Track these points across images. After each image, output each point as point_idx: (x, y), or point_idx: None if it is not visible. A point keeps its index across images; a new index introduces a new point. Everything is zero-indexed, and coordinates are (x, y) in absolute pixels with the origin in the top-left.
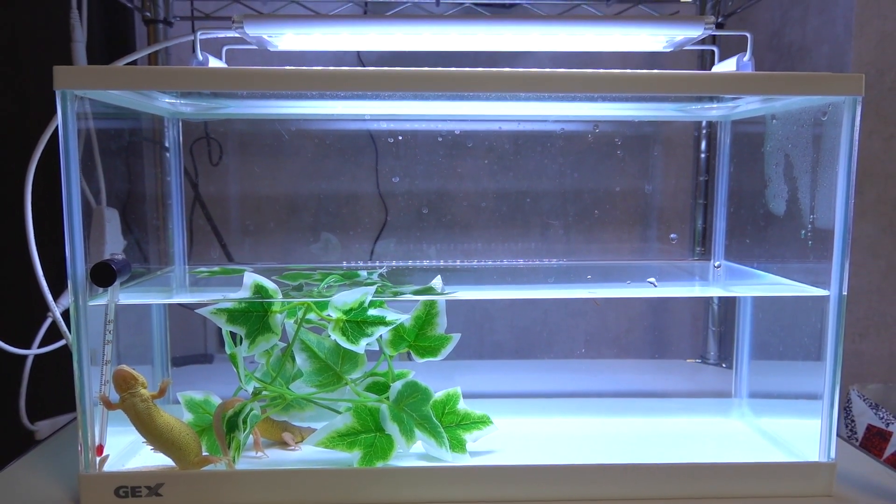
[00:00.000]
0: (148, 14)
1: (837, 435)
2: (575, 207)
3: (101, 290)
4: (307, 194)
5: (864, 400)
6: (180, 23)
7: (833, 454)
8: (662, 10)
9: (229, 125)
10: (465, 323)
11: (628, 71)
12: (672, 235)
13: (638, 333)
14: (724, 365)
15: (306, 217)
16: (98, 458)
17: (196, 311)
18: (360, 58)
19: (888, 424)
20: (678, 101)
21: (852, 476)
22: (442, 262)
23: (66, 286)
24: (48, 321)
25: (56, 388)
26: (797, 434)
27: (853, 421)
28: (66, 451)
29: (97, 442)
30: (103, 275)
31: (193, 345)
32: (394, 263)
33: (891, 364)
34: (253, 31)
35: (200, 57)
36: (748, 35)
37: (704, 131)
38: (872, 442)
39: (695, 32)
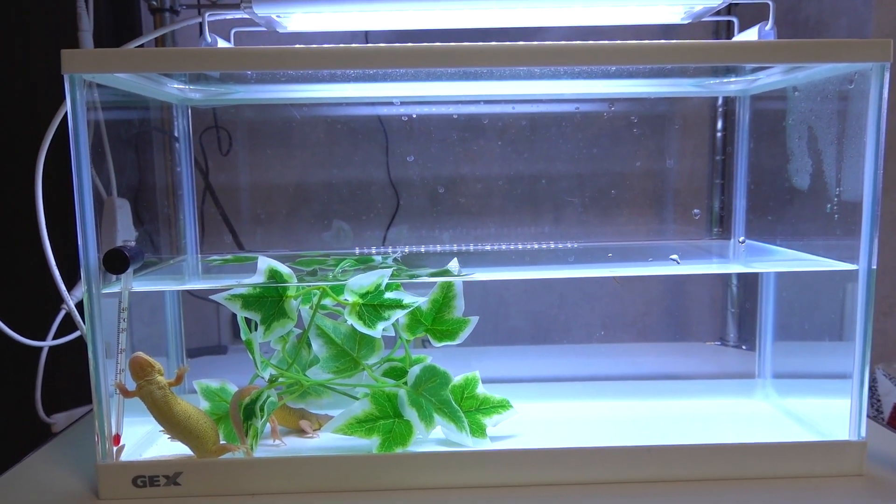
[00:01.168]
0: (154, 3)
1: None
2: (591, 189)
3: (114, 278)
4: (318, 182)
5: (890, 379)
6: (186, 11)
7: (863, 433)
8: None
9: (239, 114)
10: (480, 309)
11: (650, 41)
12: (695, 211)
13: (656, 316)
14: (744, 347)
15: (317, 205)
16: (115, 448)
17: (210, 297)
18: (369, 40)
19: None
20: (696, 75)
21: (882, 455)
22: (455, 247)
23: (78, 279)
24: (62, 313)
25: (72, 380)
26: (824, 414)
27: (879, 400)
28: (83, 442)
29: (114, 431)
30: (116, 262)
31: (207, 336)
32: (407, 249)
33: None
34: (262, 10)
35: (209, 39)
36: (770, 3)
37: (721, 109)
38: None
39: (714, 1)
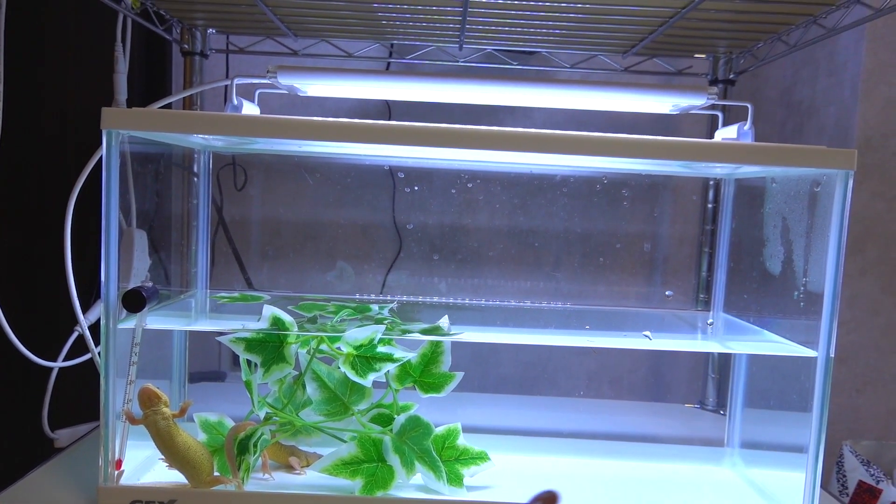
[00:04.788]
0: (186, 46)
1: (827, 490)
2: (582, 252)
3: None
4: (325, 222)
5: (856, 456)
6: (215, 55)
7: None
8: (677, 65)
9: (254, 154)
10: (470, 356)
11: (634, 136)
12: (668, 292)
13: (639, 376)
14: (721, 412)
15: (323, 244)
16: (116, 472)
17: (216, 338)
18: (390, 108)
19: (878, 482)
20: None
21: None
22: (451, 300)
23: (91, 304)
24: (74, 335)
25: (76, 398)
26: (784, 486)
27: (845, 476)
28: (85, 461)
29: (117, 456)
30: (134, 301)
31: (208, 362)
32: (404, 298)
33: (887, 420)
34: (285, 80)
35: (235, 101)
36: (749, 106)
37: (711, 183)
38: (862, 498)
39: (699, 101)
